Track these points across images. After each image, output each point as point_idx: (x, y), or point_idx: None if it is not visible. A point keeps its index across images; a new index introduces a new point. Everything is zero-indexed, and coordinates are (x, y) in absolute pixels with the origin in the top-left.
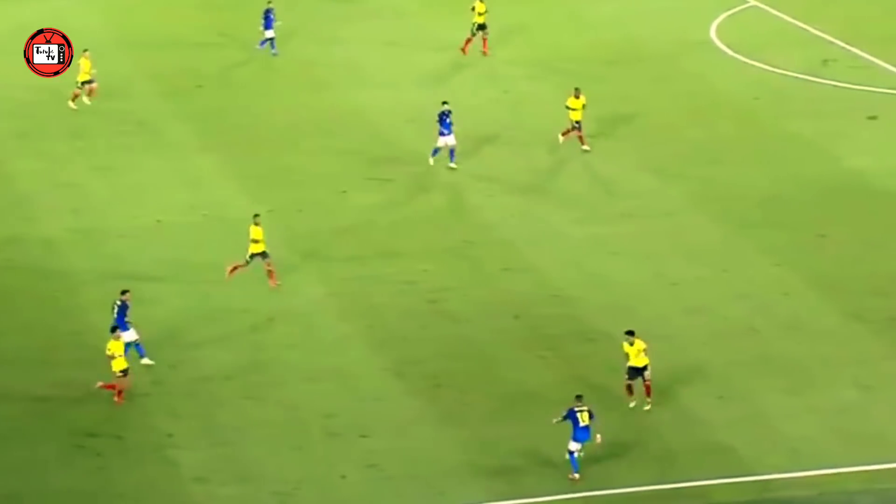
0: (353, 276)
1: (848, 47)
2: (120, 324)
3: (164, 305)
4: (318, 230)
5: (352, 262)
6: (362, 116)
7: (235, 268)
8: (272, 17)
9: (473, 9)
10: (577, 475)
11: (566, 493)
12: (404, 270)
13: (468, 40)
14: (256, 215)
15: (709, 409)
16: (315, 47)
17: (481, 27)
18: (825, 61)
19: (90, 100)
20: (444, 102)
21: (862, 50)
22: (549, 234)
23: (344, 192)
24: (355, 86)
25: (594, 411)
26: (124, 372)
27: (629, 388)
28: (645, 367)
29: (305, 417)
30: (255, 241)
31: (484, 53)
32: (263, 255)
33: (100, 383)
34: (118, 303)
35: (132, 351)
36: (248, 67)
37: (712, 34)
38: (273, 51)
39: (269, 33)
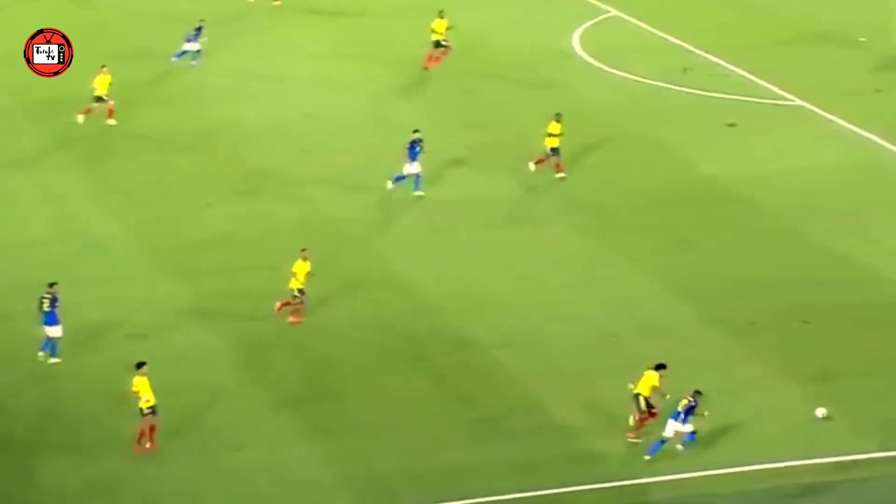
0: (221, 289)
1: (706, 55)
2: (49, 318)
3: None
4: (183, 242)
5: (218, 275)
6: (233, 129)
7: (286, 304)
8: (199, 33)
9: (433, 30)
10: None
11: (435, 502)
12: (271, 283)
13: (429, 57)
14: (304, 250)
15: (574, 415)
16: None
17: (438, 44)
18: (685, 69)
19: (112, 120)
20: (416, 131)
21: (720, 58)
22: (416, 244)
23: (209, 204)
24: (229, 99)
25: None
26: (152, 410)
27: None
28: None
29: (175, 431)
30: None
31: (425, 68)
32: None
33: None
34: (47, 296)
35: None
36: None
37: (574, 43)
38: (194, 62)
39: (194, 46)
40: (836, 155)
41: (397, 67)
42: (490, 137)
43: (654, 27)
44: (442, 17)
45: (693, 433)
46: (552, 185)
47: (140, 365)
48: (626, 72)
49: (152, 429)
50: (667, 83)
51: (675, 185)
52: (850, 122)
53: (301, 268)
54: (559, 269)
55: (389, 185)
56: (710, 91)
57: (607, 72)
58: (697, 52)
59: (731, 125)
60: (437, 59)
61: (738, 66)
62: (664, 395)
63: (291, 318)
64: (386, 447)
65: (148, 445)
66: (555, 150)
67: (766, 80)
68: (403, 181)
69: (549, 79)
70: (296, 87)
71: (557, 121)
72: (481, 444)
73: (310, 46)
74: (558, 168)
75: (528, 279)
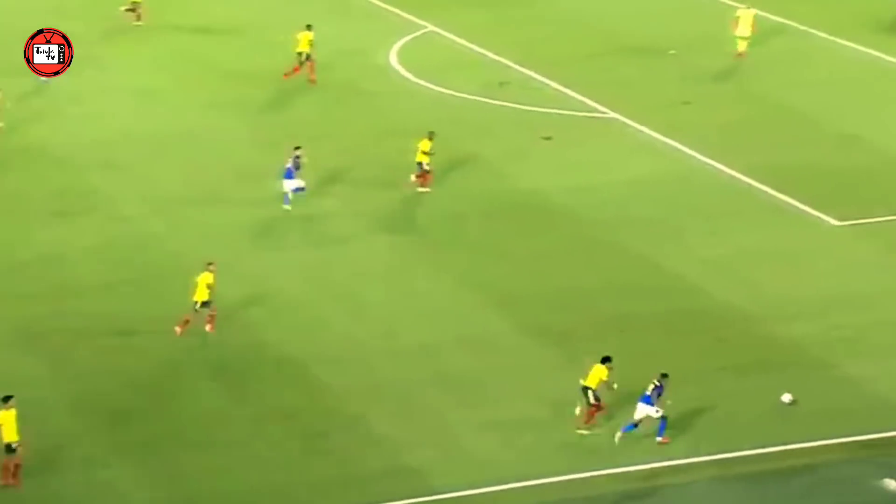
0: (35, 312)
1: (522, 70)
2: None
3: None
4: (6, 264)
5: (32, 299)
6: (48, 151)
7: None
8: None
9: (298, 40)
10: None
11: None
12: (87, 305)
13: (296, 69)
14: (210, 264)
15: (393, 429)
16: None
17: (308, 57)
18: (501, 84)
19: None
20: (297, 148)
21: (535, 72)
22: (232, 260)
23: (27, 226)
24: (50, 118)
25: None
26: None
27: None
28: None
29: None
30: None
31: (311, 81)
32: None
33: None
34: None
35: None
36: None
37: (392, 59)
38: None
39: None
40: (649, 166)
41: (224, 84)
42: (307, 153)
43: (471, 42)
44: (309, 30)
45: (664, 419)
46: (367, 200)
47: (6, 399)
48: (443, 86)
49: (17, 466)
50: (484, 97)
51: (493, 197)
52: (662, 134)
53: (205, 279)
54: (379, 284)
55: (286, 207)
56: (526, 105)
57: (424, 86)
58: (514, 66)
59: (548, 138)
60: (302, 70)
61: (553, 79)
62: (612, 386)
63: (208, 327)
64: (202, 467)
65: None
66: (420, 165)
67: (580, 94)
68: (300, 193)
69: (367, 93)
70: (121, 106)
71: (430, 139)
72: (302, 461)
73: (142, 65)
74: (424, 182)
75: (347, 295)
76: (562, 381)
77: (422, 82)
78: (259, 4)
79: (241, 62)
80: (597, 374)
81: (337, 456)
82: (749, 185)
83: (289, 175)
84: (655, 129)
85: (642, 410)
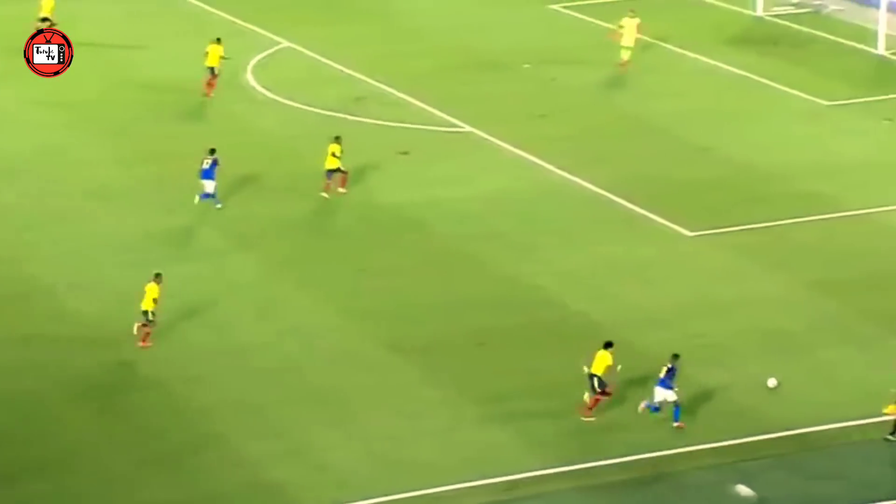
0: None
1: (379, 85)
2: None
3: None
4: None
5: None
6: None
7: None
8: None
9: (207, 54)
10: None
11: None
12: None
13: (210, 83)
14: (158, 274)
15: (255, 447)
16: None
17: (213, 71)
18: (358, 99)
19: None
20: (212, 151)
21: (392, 87)
22: (94, 278)
23: None
24: None
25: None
26: None
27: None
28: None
29: None
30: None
31: (205, 95)
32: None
33: None
34: None
35: None
36: None
37: (248, 75)
38: None
39: None
40: (506, 180)
41: (74, 104)
42: (158, 171)
43: (327, 58)
44: (219, 43)
45: (678, 406)
46: (226, 215)
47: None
48: (299, 102)
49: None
50: (341, 113)
51: (351, 212)
52: (518, 148)
53: (152, 291)
54: (241, 301)
55: (196, 199)
56: (383, 120)
57: (281, 102)
58: (370, 81)
59: (405, 153)
60: (212, 85)
61: (410, 94)
62: (617, 368)
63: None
64: (61, 490)
65: None
66: (331, 172)
67: (437, 108)
68: (209, 199)
69: (223, 110)
70: None
71: (337, 142)
72: (165, 481)
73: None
74: (343, 184)
75: (210, 312)
76: (422, 396)
77: (278, 98)
78: (116, 22)
79: (86, 82)
80: (602, 361)
81: (202, 474)
82: (604, 197)
83: (207, 175)
84: (512, 143)
85: (661, 394)
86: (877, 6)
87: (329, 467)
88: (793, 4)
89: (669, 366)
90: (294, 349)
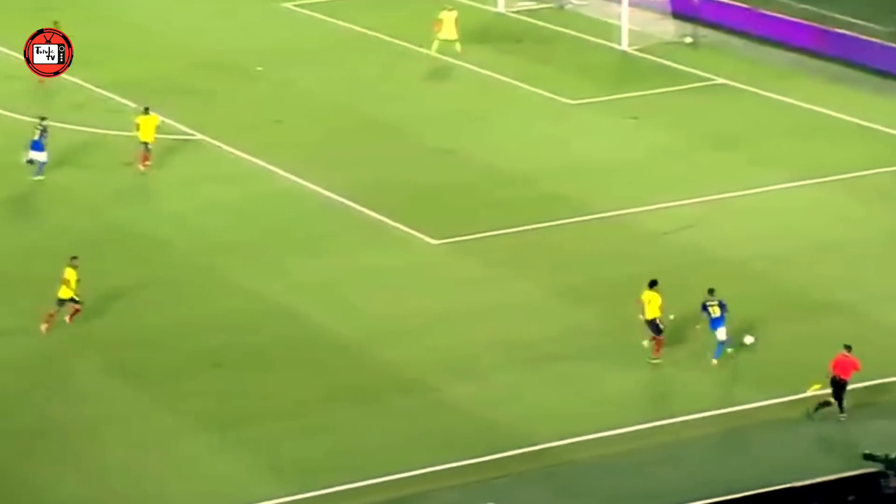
0: None
1: (100, 91)
2: None
3: None
4: None
5: None
6: None
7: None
8: None
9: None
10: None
11: None
12: None
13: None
14: (74, 258)
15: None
16: None
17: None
18: (77, 105)
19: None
20: (43, 119)
21: (114, 93)
22: None
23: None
24: None
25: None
26: None
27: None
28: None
29: None
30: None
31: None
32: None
33: None
34: None
35: None
36: None
37: None
38: None
39: None
40: (242, 189)
41: None
42: None
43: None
44: (147, 113)
45: (721, 343)
46: None
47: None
48: (16, 113)
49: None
50: (60, 122)
51: (79, 231)
52: (253, 155)
53: (72, 275)
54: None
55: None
56: (105, 129)
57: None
58: (90, 87)
59: (129, 164)
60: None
61: (134, 101)
62: (669, 317)
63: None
64: None
65: None
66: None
67: (164, 115)
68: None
69: None
70: None
71: (147, 113)
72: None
73: None
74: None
75: None
76: (153, 423)
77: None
78: None
79: None
80: (654, 303)
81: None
82: (345, 204)
83: (36, 146)
84: (246, 151)
85: (721, 333)
86: (618, 1)
87: None
88: None
89: (719, 303)
90: (13, 382)
